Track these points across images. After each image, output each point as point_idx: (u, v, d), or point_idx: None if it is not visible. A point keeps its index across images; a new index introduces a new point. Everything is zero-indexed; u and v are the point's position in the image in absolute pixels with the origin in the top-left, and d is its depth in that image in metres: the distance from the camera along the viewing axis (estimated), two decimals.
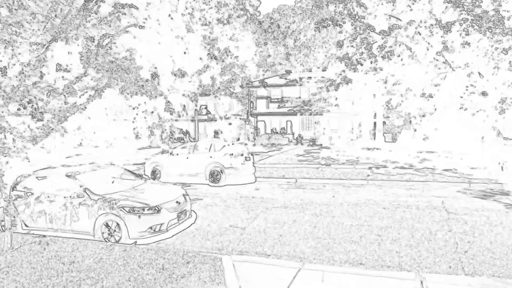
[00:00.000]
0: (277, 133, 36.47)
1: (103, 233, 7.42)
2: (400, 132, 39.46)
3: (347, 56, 12.80)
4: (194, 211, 9.09)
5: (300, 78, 37.32)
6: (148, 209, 7.35)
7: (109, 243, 7.14)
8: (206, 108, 40.62)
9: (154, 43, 15.62)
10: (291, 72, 38.67)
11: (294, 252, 6.66)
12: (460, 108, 17.00)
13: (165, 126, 21.05)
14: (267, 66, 21.13)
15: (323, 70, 34.35)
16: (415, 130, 31.32)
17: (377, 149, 26.01)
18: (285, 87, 37.91)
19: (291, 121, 37.13)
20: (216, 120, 31.18)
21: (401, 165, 17.66)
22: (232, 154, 13.82)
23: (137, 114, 41.22)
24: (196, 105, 21.20)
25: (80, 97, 12.10)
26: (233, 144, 14.34)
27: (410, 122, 31.52)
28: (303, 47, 27.11)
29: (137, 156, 26.29)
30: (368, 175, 15.01)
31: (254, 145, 33.59)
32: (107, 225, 7.40)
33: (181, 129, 42.87)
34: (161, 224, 7.47)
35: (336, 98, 31.51)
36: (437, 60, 13.11)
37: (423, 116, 23.32)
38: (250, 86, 40.23)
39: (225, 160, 13.78)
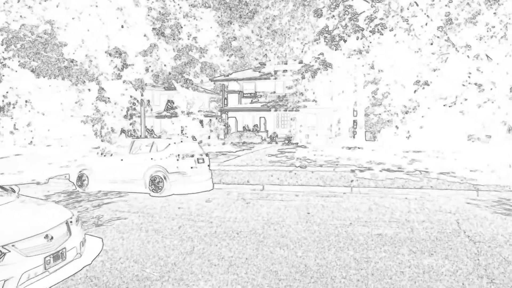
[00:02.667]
0: (249, 130, 33.48)
1: None
2: (380, 130, 37.32)
3: (326, 29, 9.85)
4: (101, 240, 5.94)
5: (275, 71, 34.45)
6: None
7: None
8: (172, 103, 37.10)
9: (85, 15, 12.28)
10: (265, 65, 35.76)
11: None
12: (455, 99, 14.47)
13: (105, 120, 17.82)
14: (232, 50, 18.23)
15: (300, 63, 31.58)
16: (397, 128, 29.11)
17: (358, 148, 23.44)
18: (259, 80, 34.96)
19: (265, 118, 34.22)
20: (177, 116, 27.85)
21: (388, 167, 15.00)
22: (179, 155, 10.65)
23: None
24: (142, 95, 17.86)
25: None
26: (181, 142, 11.18)
27: (393, 118, 29.25)
28: (277, 35, 24.18)
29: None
30: (352, 181, 12.20)
31: (223, 143, 30.45)
32: None
33: (145, 127, 39.27)
34: (3, 282, 4.25)
35: (313, 93, 28.81)
36: (437, 37, 10.38)
37: (407, 112, 20.86)
38: (220, 80, 37.06)
39: (169, 163, 10.60)
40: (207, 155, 11.63)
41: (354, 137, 33.05)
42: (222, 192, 11.45)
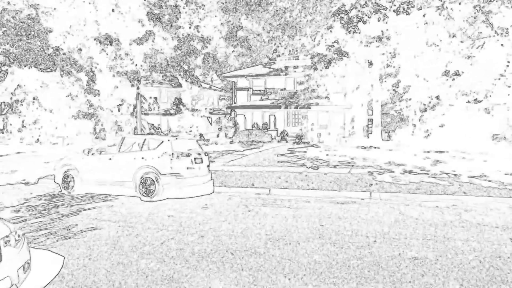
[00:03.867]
0: (259, 129, 32.10)
1: None
2: (395, 129, 35.48)
3: (343, 9, 8.39)
4: (62, 259, 4.67)
5: (286, 67, 32.98)
6: None
7: None
8: (179, 100, 35.96)
9: None
10: (275, 61, 34.32)
11: None
12: (486, 93, 12.82)
13: (100, 115, 16.61)
14: (237, 40, 16.92)
15: (311, 58, 30.07)
16: (414, 126, 27.37)
17: (374, 147, 21.84)
18: (269, 77, 33.53)
19: (275, 116, 32.80)
20: (181, 113, 26.63)
21: (410, 169, 13.45)
22: (173, 154, 9.34)
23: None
24: (138, 88, 16.57)
25: None
26: (176, 139, 9.86)
27: (409, 116, 27.50)
28: (288, 27, 22.76)
29: None
30: (371, 184, 10.71)
31: (231, 142, 29.14)
32: None
33: (152, 124, 38.28)
34: None
35: (326, 89, 27.24)
36: (474, 18, 8.83)
37: (425, 109, 19.19)
38: (229, 76, 35.78)
39: (162, 163, 9.30)
40: (206, 154, 10.30)
41: (368, 136, 31.36)
42: (223, 196, 10.11)
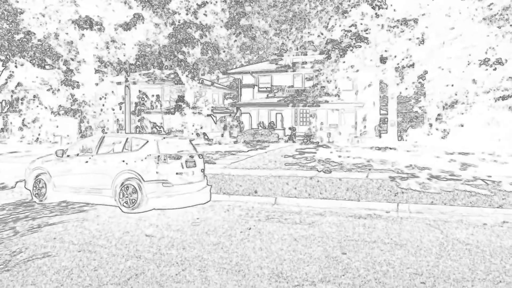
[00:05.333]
0: (265, 128, 30.47)
1: None
2: (407, 129, 33.59)
3: None
4: None
5: (294, 63, 31.30)
6: None
7: None
8: (182, 98, 34.47)
9: None
10: (282, 57, 32.67)
11: None
12: None
13: (87, 110, 15.13)
14: (240, 28, 15.33)
15: (321, 53, 28.32)
16: (430, 126, 25.52)
17: (390, 148, 20.08)
18: (276, 73, 31.88)
19: (282, 114, 31.14)
20: (181, 111, 25.09)
21: (436, 174, 11.71)
22: (158, 157, 7.76)
23: (103, 105, 34.93)
24: (126, 80, 14.97)
25: None
26: (164, 138, 8.28)
27: (425, 115, 25.65)
28: (296, 19, 21.10)
29: None
30: (396, 194, 9.03)
31: (235, 142, 27.56)
32: None
33: (154, 123, 36.90)
34: None
35: (336, 86, 25.50)
36: None
37: (445, 106, 17.40)
38: (233, 73, 34.23)
39: (145, 167, 7.72)
40: (200, 156, 8.71)
41: (380, 136, 29.55)
42: (220, 207, 8.52)
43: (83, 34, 11.17)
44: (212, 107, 34.91)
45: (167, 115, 36.20)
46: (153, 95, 37.48)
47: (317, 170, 12.58)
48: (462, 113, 23.26)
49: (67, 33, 10.62)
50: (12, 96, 45.81)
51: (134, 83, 38.57)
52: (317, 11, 19.36)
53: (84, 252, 5.20)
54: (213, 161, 15.84)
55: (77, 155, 8.80)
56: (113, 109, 38.22)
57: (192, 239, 5.87)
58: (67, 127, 37.79)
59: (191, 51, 13.15)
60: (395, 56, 11.69)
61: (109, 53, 12.13)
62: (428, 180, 10.72)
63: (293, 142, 27.25)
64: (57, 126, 39.08)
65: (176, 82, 34.21)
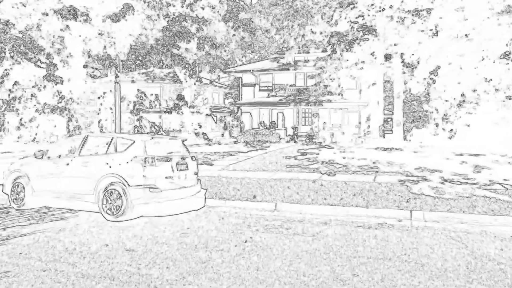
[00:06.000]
0: (266, 127, 29.70)
1: None
2: (410, 129, 32.73)
3: None
4: None
5: (296, 62, 30.50)
6: None
7: None
8: (182, 97, 33.73)
9: None
10: (284, 55, 31.88)
11: None
12: None
13: (75, 109, 14.29)
14: (239, 22, 14.54)
15: (324, 51, 27.48)
16: (436, 125, 24.69)
17: (396, 149, 19.25)
18: (277, 72, 31.09)
19: (283, 114, 30.35)
20: (179, 110, 24.32)
21: (449, 177, 10.91)
22: (145, 159, 6.98)
23: (101, 104, 34.02)
24: (117, 76, 14.18)
25: None
26: (152, 138, 7.50)
27: (431, 115, 24.87)
28: (298, 15, 20.30)
29: None
30: (408, 200, 8.23)
31: (235, 142, 26.78)
32: None
33: (153, 123, 36.20)
34: None
35: (339, 85, 24.67)
36: None
37: (463, 102, 16.59)
38: (233, 71, 33.47)
39: (131, 171, 6.95)
40: (194, 158, 7.94)
41: (384, 136, 28.74)
42: (215, 213, 7.75)
43: (67, 26, 10.40)
44: (212, 106, 34.16)
45: (166, 115, 35.48)
46: (152, 94, 36.76)
47: (321, 173, 11.79)
48: (470, 113, 22.42)
49: (50, 24, 9.86)
50: (9, 95, 45.16)
51: (133, 81, 37.88)
52: (320, 7, 18.56)
53: (50, 272, 4.43)
54: (210, 163, 15.08)
55: (59, 156, 8.04)
56: (111, 108, 37.53)
57: (178, 254, 5.09)
58: (64, 127, 37.21)
59: (187, 46, 12.36)
60: (404, 51, 10.89)
61: (104, 49, 11.34)
62: (441, 184, 9.92)
63: (295, 142, 26.45)
64: (55, 126, 38.39)
65: (175, 80, 33.48)
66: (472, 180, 10.37)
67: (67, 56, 11.39)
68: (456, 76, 10.42)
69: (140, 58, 11.97)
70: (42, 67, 17.42)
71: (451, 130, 24.07)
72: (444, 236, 5.97)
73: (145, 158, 6.97)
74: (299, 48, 31.51)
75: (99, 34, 11.45)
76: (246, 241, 5.69)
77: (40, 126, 41.57)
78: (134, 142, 7.25)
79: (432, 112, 23.61)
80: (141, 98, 37.56)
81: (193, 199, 7.78)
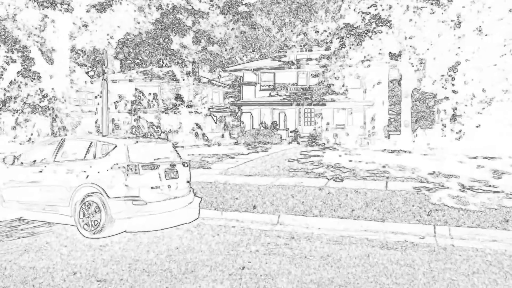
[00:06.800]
0: (267, 128, 28.75)
1: None
2: (415, 130, 31.70)
3: None
4: None
5: (298, 60, 29.55)
6: None
7: None
8: (180, 97, 32.81)
9: None
10: (286, 53, 30.92)
11: None
12: None
13: (59, 108, 13.32)
14: (239, 15, 13.68)
15: (327, 49, 26.51)
16: (444, 126, 23.67)
17: (404, 151, 18.27)
18: (279, 70, 30.14)
19: (285, 114, 29.39)
20: (176, 109, 23.39)
21: (469, 184, 9.93)
22: (128, 167, 6.03)
23: (98, 104, 33.11)
24: (104, 72, 13.26)
25: None
26: (136, 142, 6.55)
27: (437, 115, 23.90)
28: (301, 11, 19.34)
29: None
30: (429, 212, 7.25)
31: (236, 143, 25.84)
32: None
33: (151, 123, 35.28)
34: None
35: (343, 84, 23.68)
36: None
37: (485, 103, 15.59)
38: (233, 70, 32.54)
39: (111, 180, 6.00)
40: (186, 164, 6.98)
41: (388, 137, 27.75)
42: (209, 228, 6.79)
43: (45, 15, 9.48)
44: (212, 106, 33.23)
45: (164, 114, 34.56)
46: (150, 94, 35.85)
47: (327, 178, 10.83)
48: (480, 113, 21.40)
49: (22, 10, 8.86)
50: (5, 94, 44.30)
51: (131, 80, 36.99)
52: (324, 1, 17.58)
53: None
54: (208, 166, 14.14)
55: (34, 162, 7.09)
56: (109, 108, 36.60)
57: (161, 283, 4.13)
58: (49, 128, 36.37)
59: (182, 40, 11.44)
60: (419, 46, 9.94)
61: (90, 42, 10.47)
62: (461, 192, 8.94)
63: (297, 143, 25.50)
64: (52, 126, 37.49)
65: (173, 79, 32.56)
66: (496, 188, 9.39)
67: (49, 50, 10.51)
68: (478, 73, 9.49)
69: (130, 53, 11.11)
70: (15, 62, 16.20)
71: (460, 131, 23.06)
72: (480, 260, 5.01)
73: (128, 166, 6.01)
74: (301, 46, 30.56)
75: (83, 25, 10.51)
76: (243, 268, 4.73)
77: (35, 126, 40.67)
78: (116, 146, 6.29)
79: (440, 112, 22.63)
80: (139, 97, 36.64)
81: (185, 211, 6.84)
